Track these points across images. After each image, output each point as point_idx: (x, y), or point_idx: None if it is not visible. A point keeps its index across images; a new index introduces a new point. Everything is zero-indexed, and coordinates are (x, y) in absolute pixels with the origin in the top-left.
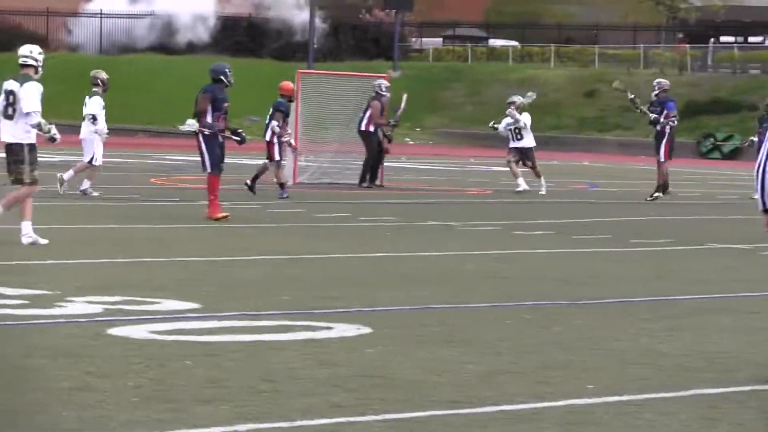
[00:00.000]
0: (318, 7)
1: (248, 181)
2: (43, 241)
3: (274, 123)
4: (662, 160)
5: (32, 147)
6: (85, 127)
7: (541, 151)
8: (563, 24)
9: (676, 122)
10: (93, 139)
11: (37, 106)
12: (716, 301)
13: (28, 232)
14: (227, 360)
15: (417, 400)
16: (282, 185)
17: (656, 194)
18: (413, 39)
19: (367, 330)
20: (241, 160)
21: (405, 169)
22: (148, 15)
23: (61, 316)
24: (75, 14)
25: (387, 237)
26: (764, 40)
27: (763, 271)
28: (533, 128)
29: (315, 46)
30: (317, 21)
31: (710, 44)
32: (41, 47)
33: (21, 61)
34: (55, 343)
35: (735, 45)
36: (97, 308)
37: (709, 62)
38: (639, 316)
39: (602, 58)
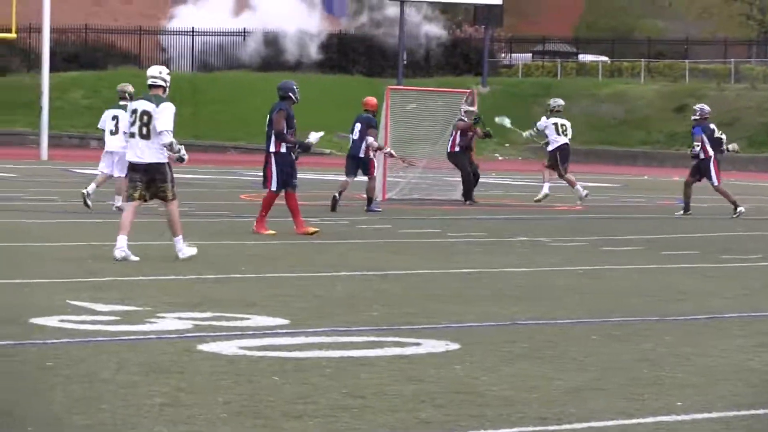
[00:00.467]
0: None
1: (336, 195)
2: (134, 258)
3: (371, 139)
4: (715, 184)
5: (170, 165)
6: (119, 142)
7: (631, 166)
8: (653, 38)
9: (697, 149)
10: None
11: (170, 126)
12: None
13: (122, 246)
14: (316, 376)
15: (505, 416)
16: (371, 200)
17: (738, 209)
18: (502, 54)
19: (455, 346)
20: (324, 176)
21: (494, 184)
22: (239, 33)
23: (151, 332)
24: (167, 32)
25: (476, 253)
26: None
27: None
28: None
29: (404, 62)
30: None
31: None
32: (135, 65)
33: (150, 81)
34: (146, 359)
35: None
36: (188, 324)
37: None
38: (729, 332)
39: (693, 73)
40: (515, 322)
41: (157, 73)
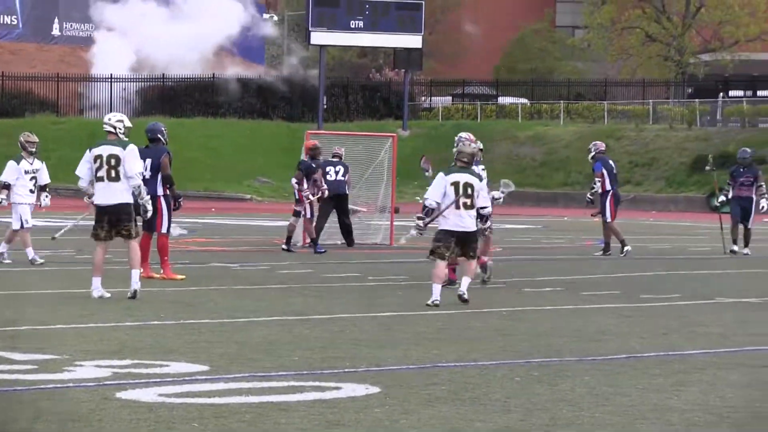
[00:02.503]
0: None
1: (284, 246)
2: (108, 295)
3: (294, 180)
4: (608, 221)
5: (135, 205)
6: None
7: (551, 208)
8: (572, 80)
9: (596, 184)
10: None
11: (138, 168)
12: (726, 356)
13: (97, 286)
14: (236, 422)
15: None
16: (313, 240)
17: (626, 248)
18: (423, 98)
19: (375, 389)
20: (248, 221)
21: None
22: (158, 80)
23: (70, 381)
24: (86, 79)
25: (397, 296)
26: None
27: None
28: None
29: (324, 106)
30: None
31: (719, 98)
32: (53, 112)
33: (104, 127)
34: (65, 408)
35: (744, 99)
36: (107, 372)
37: (719, 116)
38: (648, 372)
39: (611, 114)
40: (436, 364)
41: (107, 120)
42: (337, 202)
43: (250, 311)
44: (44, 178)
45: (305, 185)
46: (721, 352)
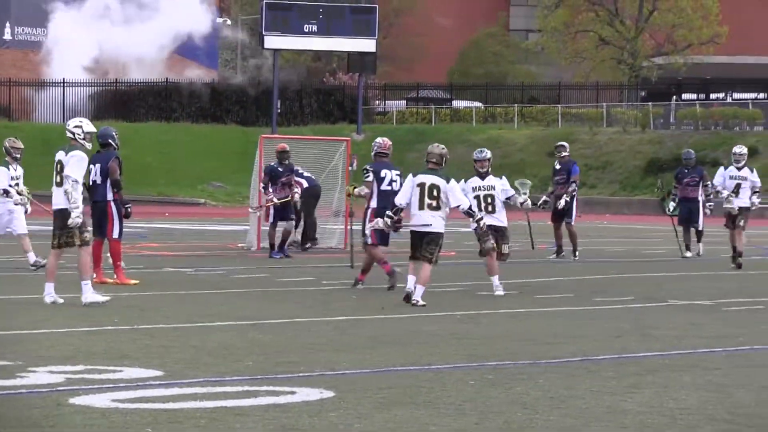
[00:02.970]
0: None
1: (296, 242)
2: (61, 301)
3: (261, 185)
4: (572, 222)
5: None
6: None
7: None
8: (526, 84)
9: (573, 185)
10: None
11: (76, 174)
12: (678, 358)
13: (50, 292)
14: (190, 427)
15: None
16: (272, 246)
17: (562, 254)
18: (377, 102)
19: (330, 393)
20: (201, 226)
21: None
22: (111, 84)
23: (23, 387)
24: (38, 84)
25: (352, 300)
26: (725, 96)
27: (724, 327)
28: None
29: (278, 110)
30: None
31: (672, 102)
32: (5, 117)
33: (67, 133)
34: (18, 414)
35: (697, 102)
36: (60, 378)
37: (672, 119)
38: (601, 374)
39: (565, 118)
40: (390, 368)
41: (67, 125)
42: (316, 200)
43: (205, 316)
44: (21, 183)
45: (270, 189)
46: (674, 355)
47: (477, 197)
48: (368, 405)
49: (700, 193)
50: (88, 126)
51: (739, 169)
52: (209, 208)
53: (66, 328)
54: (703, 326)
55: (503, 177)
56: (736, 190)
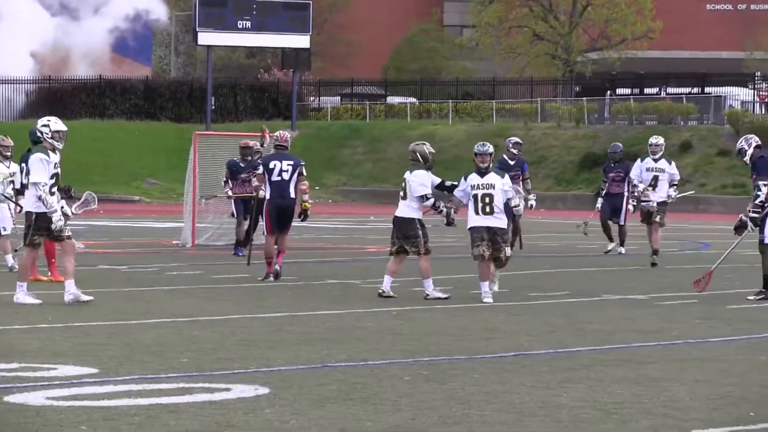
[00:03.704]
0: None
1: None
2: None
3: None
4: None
5: (38, 216)
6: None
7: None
8: (461, 80)
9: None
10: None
11: (40, 176)
12: (612, 352)
13: (69, 289)
14: (125, 424)
15: None
16: (239, 243)
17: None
18: (311, 98)
19: (265, 390)
20: (135, 223)
21: (304, 228)
22: (45, 80)
23: None
24: None
25: (287, 296)
26: (659, 91)
27: (657, 322)
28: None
29: (212, 107)
30: None
31: (607, 97)
32: None
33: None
34: None
35: (631, 97)
36: None
37: (606, 114)
38: (536, 369)
39: (500, 113)
40: (326, 364)
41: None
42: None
43: (140, 313)
44: (17, 181)
45: (230, 184)
46: (607, 349)
47: (475, 196)
48: (304, 401)
49: (624, 188)
50: (56, 124)
51: (656, 160)
52: (144, 205)
53: (0, 326)
54: (637, 320)
55: (506, 176)
56: (654, 183)
